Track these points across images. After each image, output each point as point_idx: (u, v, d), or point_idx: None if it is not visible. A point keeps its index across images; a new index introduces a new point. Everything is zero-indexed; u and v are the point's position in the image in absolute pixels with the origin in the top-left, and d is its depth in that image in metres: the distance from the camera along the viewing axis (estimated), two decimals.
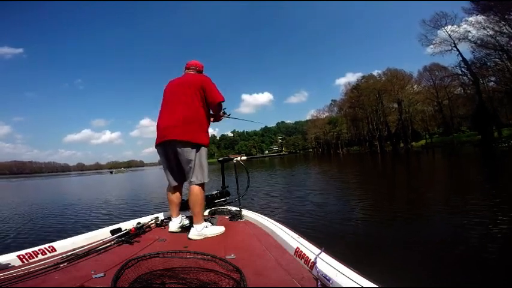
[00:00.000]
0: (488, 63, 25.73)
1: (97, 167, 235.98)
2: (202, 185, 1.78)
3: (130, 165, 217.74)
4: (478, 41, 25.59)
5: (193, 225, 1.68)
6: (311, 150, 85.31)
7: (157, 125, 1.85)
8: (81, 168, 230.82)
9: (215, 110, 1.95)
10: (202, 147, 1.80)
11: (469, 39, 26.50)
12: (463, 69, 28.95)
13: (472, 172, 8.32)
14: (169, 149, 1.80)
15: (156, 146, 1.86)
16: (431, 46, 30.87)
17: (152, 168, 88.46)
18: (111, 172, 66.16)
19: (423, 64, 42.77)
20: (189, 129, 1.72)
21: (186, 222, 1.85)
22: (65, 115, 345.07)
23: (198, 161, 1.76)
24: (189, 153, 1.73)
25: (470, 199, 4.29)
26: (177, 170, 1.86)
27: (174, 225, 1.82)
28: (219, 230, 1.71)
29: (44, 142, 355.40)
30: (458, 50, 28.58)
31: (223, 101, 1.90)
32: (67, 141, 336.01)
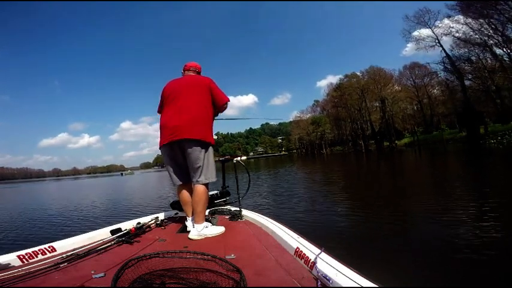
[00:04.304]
0: (471, 60, 26.05)
1: (74, 172, 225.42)
2: (207, 185, 1.80)
3: (110, 169, 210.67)
4: (462, 37, 25.91)
5: (194, 224, 1.68)
6: (295, 151, 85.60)
7: (162, 125, 1.82)
8: (57, 174, 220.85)
9: (221, 110, 2.01)
10: (210, 147, 1.83)
11: (453, 35, 26.82)
12: (446, 65, 29.11)
13: (468, 171, 8.24)
14: (176, 149, 1.79)
15: (163, 146, 1.83)
16: (414, 42, 31.13)
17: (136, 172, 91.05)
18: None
19: (400, 67, 42.86)
20: (199, 129, 1.75)
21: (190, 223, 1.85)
22: (40, 118, 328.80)
23: (207, 160, 1.79)
24: (199, 152, 1.76)
25: (468, 198, 4.30)
26: (183, 170, 1.86)
27: (191, 223, 1.80)
28: (219, 230, 1.71)
29: (18, 147, 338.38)
30: (441, 45, 28.80)
31: (228, 102, 1.97)
32: (42, 146, 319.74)
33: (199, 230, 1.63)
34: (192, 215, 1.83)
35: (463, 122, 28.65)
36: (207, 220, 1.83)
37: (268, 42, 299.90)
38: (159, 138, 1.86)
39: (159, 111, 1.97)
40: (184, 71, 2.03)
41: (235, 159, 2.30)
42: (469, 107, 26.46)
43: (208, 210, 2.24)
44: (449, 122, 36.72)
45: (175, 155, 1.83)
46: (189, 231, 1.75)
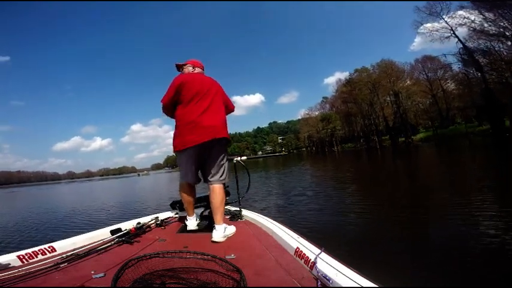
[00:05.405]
0: (489, 51, 24.96)
1: (88, 175, 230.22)
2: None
3: (122, 171, 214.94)
4: (478, 28, 24.79)
5: (216, 226, 1.61)
6: (304, 149, 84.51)
7: (193, 121, 1.67)
8: (71, 177, 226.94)
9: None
10: None
11: (468, 26, 25.62)
12: (463, 57, 27.87)
13: (495, 167, 7.30)
14: (207, 148, 1.72)
15: (199, 144, 1.67)
16: (428, 33, 29.76)
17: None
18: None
19: (410, 62, 41.10)
20: (227, 130, 1.81)
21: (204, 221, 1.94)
22: (54, 123, 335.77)
23: (226, 160, 1.85)
24: (224, 152, 1.81)
25: (481, 199, 4.03)
26: (196, 170, 1.82)
27: (193, 223, 1.85)
28: (234, 229, 1.70)
29: (33, 151, 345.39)
30: (457, 36, 27.52)
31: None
32: (57, 150, 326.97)
33: (223, 232, 1.59)
34: (194, 213, 1.89)
35: (484, 115, 27.21)
36: (203, 218, 1.95)
37: (271, 42, 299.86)
38: (177, 137, 1.73)
39: (166, 101, 1.78)
40: (193, 67, 1.92)
41: (236, 158, 2.30)
42: (492, 99, 24.95)
43: (207, 210, 2.22)
44: (465, 116, 35.27)
45: (203, 154, 1.74)
46: (189, 231, 1.78)
